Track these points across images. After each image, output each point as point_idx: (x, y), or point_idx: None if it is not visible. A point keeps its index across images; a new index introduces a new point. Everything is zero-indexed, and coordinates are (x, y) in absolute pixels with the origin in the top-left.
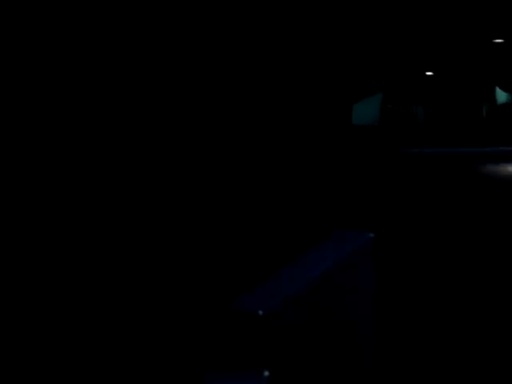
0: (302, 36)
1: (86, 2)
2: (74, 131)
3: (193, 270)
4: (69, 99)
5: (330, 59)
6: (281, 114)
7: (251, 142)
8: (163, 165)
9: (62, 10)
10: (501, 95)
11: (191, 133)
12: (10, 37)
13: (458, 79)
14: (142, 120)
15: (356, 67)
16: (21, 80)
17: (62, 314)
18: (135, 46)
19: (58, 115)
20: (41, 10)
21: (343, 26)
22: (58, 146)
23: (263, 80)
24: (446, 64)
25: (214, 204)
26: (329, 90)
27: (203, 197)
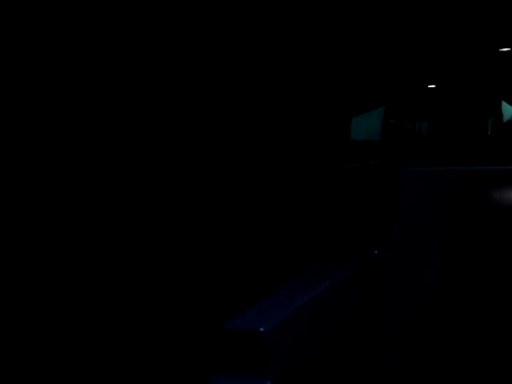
0: (295, 42)
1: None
2: (75, 131)
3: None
4: (69, 99)
5: (325, 70)
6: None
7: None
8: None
9: (62, 10)
10: (508, 110)
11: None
12: (9, 37)
13: (462, 92)
14: (142, 120)
15: (354, 79)
16: (21, 80)
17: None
18: (135, 46)
19: (58, 115)
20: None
21: (340, 34)
22: (59, 146)
23: (249, 87)
24: (450, 76)
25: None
26: (324, 103)
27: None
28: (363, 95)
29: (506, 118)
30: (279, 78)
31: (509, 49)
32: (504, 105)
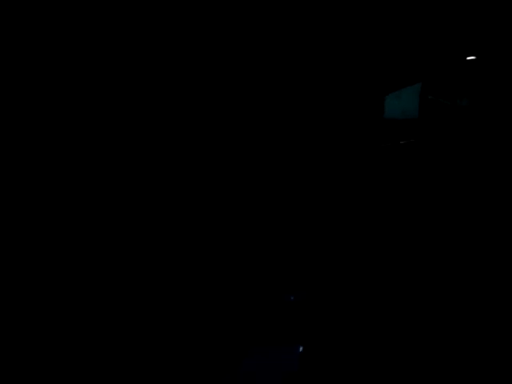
0: (322, 19)
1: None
2: (74, 131)
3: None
4: (69, 99)
5: (353, 41)
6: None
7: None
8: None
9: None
10: None
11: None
12: (9, 37)
13: (507, 63)
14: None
15: (387, 51)
16: (21, 80)
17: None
18: (135, 45)
19: (57, 115)
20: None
21: (368, 7)
22: (58, 145)
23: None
24: (491, 45)
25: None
26: (353, 79)
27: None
28: (397, 70)
29: None
30: (306, 53)
31: None
32: None
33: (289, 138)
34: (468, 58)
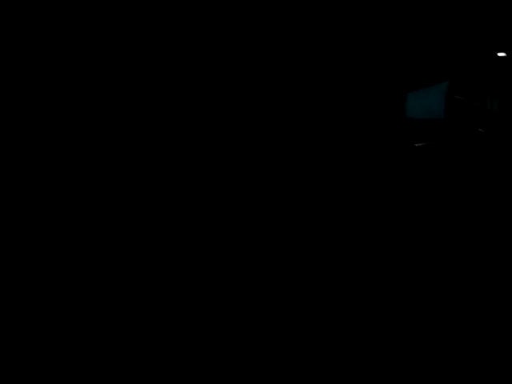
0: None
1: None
2: (74, 131)
3: None
4: (69, 99)
5: (373, 35)
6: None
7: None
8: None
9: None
10: None
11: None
12: (10, 37)
13: None
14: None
15: (410, 47)
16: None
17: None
18: (135, 45)
19: (57, 115)
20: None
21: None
22: (58, 145)
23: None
24: None
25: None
26: (372, 76)
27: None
28: (421, 67)
29: None
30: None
31: None
32: None
33: (307, 135)
34: (499, 55)
